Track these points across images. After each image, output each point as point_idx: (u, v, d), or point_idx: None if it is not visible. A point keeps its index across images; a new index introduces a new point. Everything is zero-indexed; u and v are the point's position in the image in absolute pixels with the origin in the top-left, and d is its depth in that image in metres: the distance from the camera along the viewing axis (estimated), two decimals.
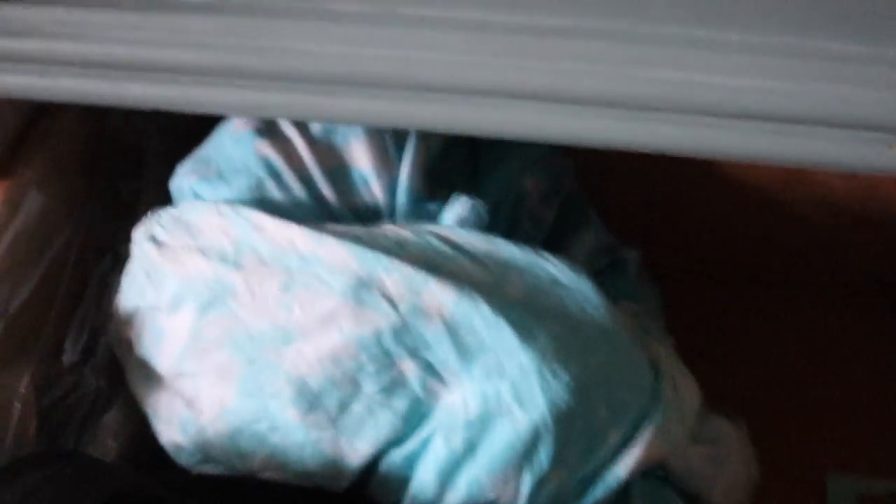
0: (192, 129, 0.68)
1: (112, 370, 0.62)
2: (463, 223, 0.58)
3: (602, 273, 0.67)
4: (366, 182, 0.60)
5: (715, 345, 0.78)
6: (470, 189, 0.62)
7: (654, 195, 0.78)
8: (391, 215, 0.60)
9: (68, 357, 0.62)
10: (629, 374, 0.56)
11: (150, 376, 0.59)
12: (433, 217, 0.60)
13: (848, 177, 0.75)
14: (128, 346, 0.61)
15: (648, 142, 0.50)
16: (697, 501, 0.63)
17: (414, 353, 0.53)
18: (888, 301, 0.83)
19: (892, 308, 0.83)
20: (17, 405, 0.59)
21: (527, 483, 0.53)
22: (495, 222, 0.61)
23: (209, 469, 0.57)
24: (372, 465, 0.55)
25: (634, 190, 0.78)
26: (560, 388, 0.52)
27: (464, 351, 0.53)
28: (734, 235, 0.80)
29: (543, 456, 0.53)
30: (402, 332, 0.53)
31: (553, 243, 0.66)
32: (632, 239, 0.72)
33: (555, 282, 0.56)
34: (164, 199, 0.65)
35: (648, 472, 0.60)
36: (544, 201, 0.67)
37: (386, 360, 0.53)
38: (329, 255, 0.54)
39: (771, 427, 0.73)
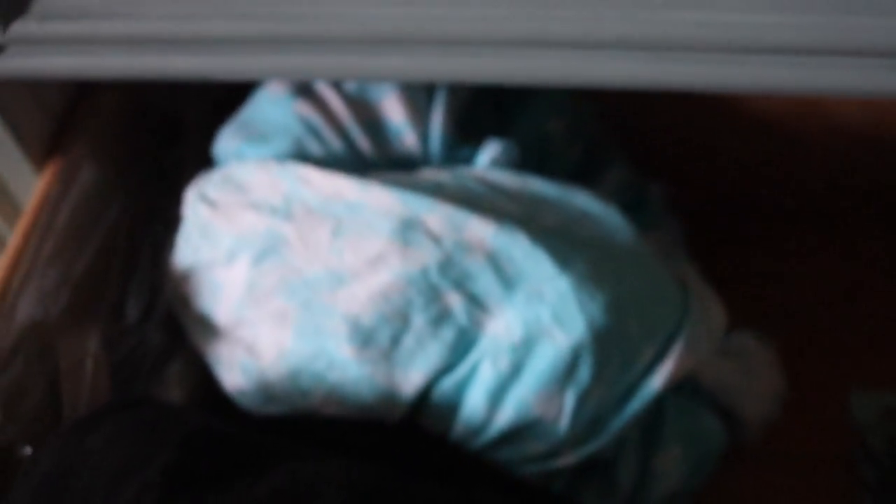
0: (226, 99, 0.72)
1: (172, 326, 0.67)
2: (496, 164, 0.62)
3: (627, 207, 0.70)
4: (400, 133, 0.64)
5: (738, 275, 0.82)
6: (498, 134, 0.66)
7: (675, 134, 0.81)
8: (426, 163, 0.64)
9: (131, 316, 0.67)
10: (659, 293, 0.60)
11: (210, 327, 0.63)
12: (465, 161, 0.64)
13: (861, 104, 0.78)
14: (186, 301, 0.65)
15: (668, 81, 0.54)
16: (729, 415, 0.67)
17: (459, 286, 0.57)
18: None
19: None
20: (90, 362, 0.63)
21: (570, 400, 0.57)
22: (524, 164, 0.65)
23: (272, 410, 0.61)
24: (424, 394, 0.59)
25: (655, 130, 0.81)
26: (597, 309, 0.56)
27: (505, 280, 0.57)
28: (754, 170, 0.83)
29: (584, 373, 0.57)
30: (446, 266, 0.57)
31: (579, 182, 0.70)
32: (655, 177, 0.76)
33: (585, 213, 0.60)
34: (205, 164, 0.69)
35: (681, 388, 0.64)
36: (569, 142, 0.70)
37: (433, 294, 0.57)
38: (374, 200, 0.58)
39: (797, 349, 0.78)
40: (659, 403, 0.63)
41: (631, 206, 0.72)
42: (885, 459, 0.74)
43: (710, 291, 0.65)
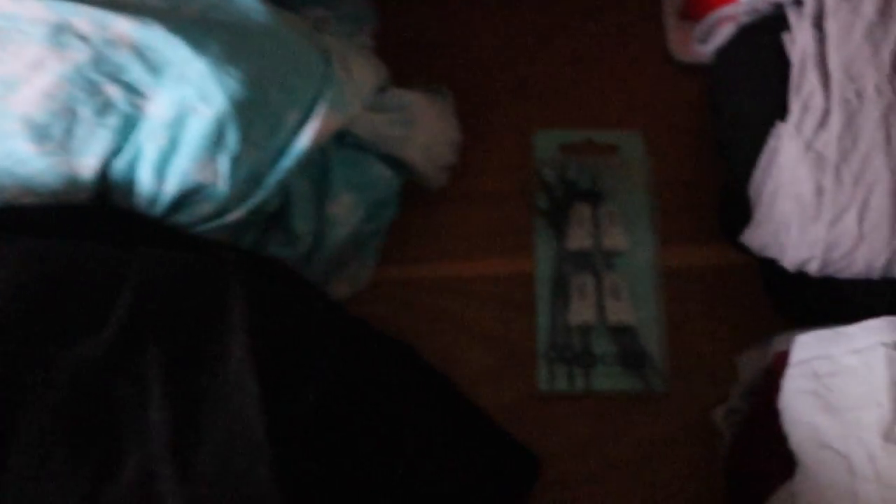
0: None
1: None
2: None
3: None
4: None
5: (429, 35, 0.91)
6: None
7: None
8: None
9: None
10: (297, 63, 0.68)
11: None
12: None
13: None
14: None
15: None
16: (397, 161, 0.77)
17: (114, 78, 0.65)
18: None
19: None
20: None
21: (224, 164, 0.66)
22: None
23: None
24: (103, 176, 0.67)
25: None
26: (234, 83, 0.65)
27: (152, 68, 0.65)
28: None
29: (232, 140, 0.66)
30: (99, 62, 0.65)
31: None
32: None
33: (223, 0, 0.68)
34: None
35: (344, 142, 0.74)
36: None
37: (92, 89, 0.65)
38: (26, 10, 0.65)
39: (487, 98, 0.88)
40: (324, 157, 0.73)
41: None
42: (555, 188, 0.86)
43: (361, 56, 0.74)
